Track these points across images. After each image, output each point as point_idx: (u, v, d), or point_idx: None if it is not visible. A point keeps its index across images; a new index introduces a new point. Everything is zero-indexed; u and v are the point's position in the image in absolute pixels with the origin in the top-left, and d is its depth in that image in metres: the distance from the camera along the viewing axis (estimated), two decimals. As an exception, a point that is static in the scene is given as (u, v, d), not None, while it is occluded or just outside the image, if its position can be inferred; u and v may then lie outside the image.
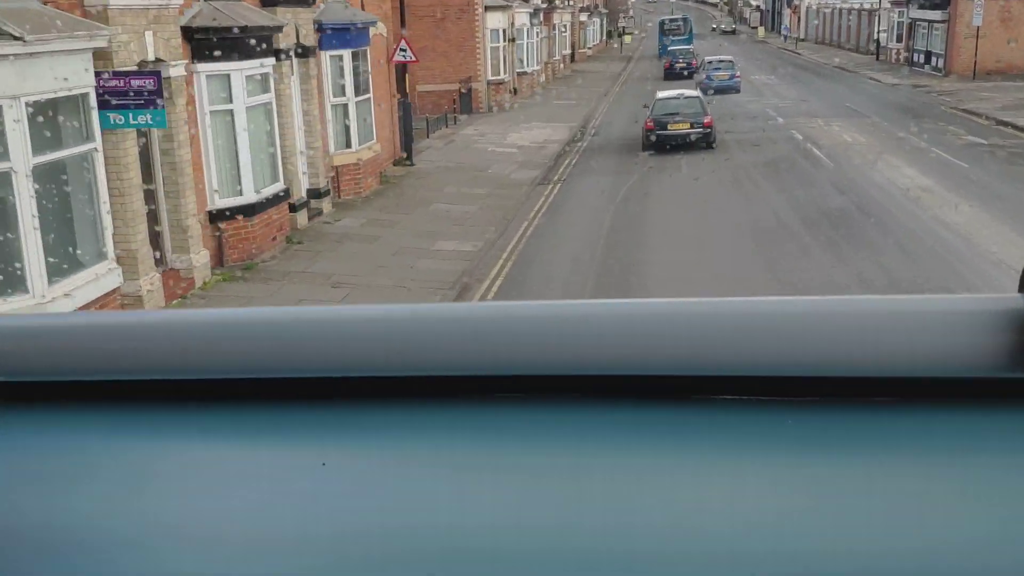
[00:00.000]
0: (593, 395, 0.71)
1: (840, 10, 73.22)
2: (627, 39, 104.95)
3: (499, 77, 36.44)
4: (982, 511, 0.59)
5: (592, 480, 0.65)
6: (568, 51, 61.52)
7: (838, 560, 0.56)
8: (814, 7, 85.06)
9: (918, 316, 0.68)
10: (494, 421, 0.71)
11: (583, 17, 70.52)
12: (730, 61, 41.46)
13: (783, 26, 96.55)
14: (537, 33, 45.16)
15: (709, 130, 24.00)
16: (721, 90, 36.84)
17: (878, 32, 59.12)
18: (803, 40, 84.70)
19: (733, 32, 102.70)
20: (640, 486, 0.63)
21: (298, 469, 0.68)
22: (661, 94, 26.05)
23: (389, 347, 0.73)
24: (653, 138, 23.90)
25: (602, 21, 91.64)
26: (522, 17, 40.94)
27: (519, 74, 40.87)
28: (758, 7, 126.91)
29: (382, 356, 0.73)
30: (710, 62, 41.93)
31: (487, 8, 35.21)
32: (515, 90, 39.79)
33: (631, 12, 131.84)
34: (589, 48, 75.35)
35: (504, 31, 36.72)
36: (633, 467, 0.65)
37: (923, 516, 0.59)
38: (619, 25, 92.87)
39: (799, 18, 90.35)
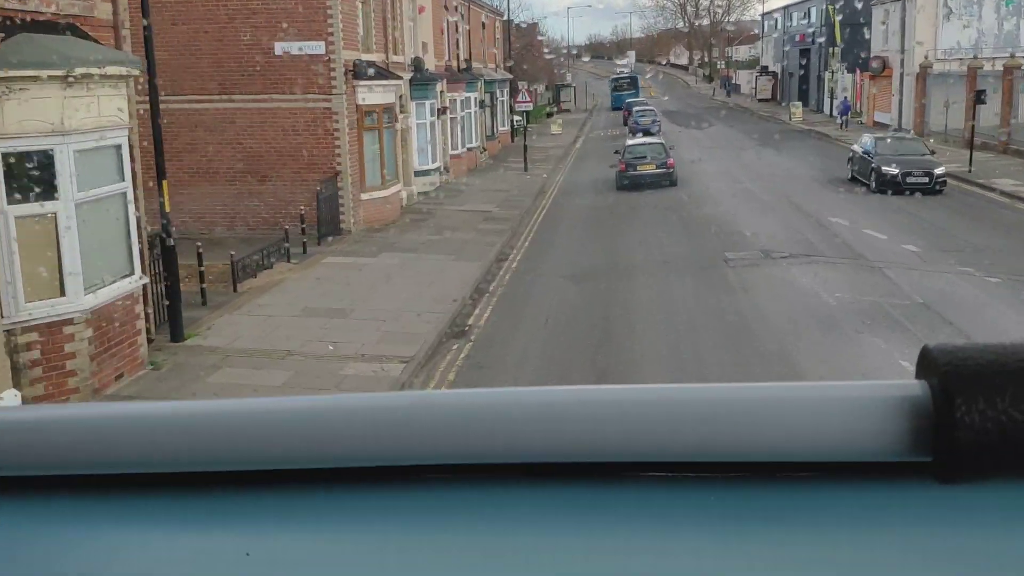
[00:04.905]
0: (516, 477, 0.76)
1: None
2: (554, 128, 57.39)
3: None
4: None
5: (525, 560, 0.70)
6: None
7: None
8: (937, 68, 39.39)
9: (827, 403, 0.73)
10: (427, 503, 0.75)
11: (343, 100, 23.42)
12: (652, 109, 50.39)
13: (840, 102, 50.39)
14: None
15: (671, 170, 28.44)
16: (645, 130, 41.42)
17: None
18: (905, 132, 39.20)
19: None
20: (575, 562, 0.69)
21: (222, 557, 0.71)
22: (630, 141, 31.81)
23: (312, 438, 0.75)
24: (626, 179, 28.44)
25: (492, 100, 44.39)
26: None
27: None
28: (765, 68, 79.61)
29: (307, 447, 0.75)
30: (638, 111, 49.15)
31: None
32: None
33: (568, 78, 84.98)
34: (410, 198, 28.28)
35: None
36: (566, 544, 0.70)
37: None
38: (519, 105, 43.70)
39: (898, 90, 44.04)
